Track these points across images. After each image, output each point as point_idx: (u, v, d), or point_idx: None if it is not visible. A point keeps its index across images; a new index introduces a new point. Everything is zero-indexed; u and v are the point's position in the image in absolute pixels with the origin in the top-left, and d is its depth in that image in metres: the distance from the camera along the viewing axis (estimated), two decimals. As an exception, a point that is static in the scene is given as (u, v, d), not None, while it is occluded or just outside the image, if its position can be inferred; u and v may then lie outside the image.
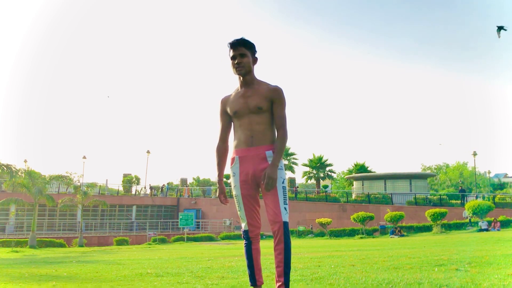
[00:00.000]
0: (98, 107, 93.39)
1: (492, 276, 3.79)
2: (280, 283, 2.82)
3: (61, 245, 20.73)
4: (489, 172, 53.78)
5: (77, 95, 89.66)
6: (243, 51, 2.94)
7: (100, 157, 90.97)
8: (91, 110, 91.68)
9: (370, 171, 43.50)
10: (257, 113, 2.95)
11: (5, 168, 18.83)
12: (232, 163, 3.08)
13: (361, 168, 45.71)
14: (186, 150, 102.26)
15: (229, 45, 2.97)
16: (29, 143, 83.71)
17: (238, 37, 2.98)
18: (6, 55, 76.07)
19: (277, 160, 2.89)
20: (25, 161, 40.25)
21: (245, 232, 3.07)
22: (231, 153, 3.12)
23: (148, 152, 42.16)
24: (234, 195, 3.11)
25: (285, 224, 2.85)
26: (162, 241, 23.51)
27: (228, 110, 3.05)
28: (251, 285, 3.04)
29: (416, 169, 62.30)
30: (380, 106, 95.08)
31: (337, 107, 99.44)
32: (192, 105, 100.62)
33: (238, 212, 3.10)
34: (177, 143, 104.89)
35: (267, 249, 4.01)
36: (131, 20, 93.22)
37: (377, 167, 74.80)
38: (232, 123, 3.12)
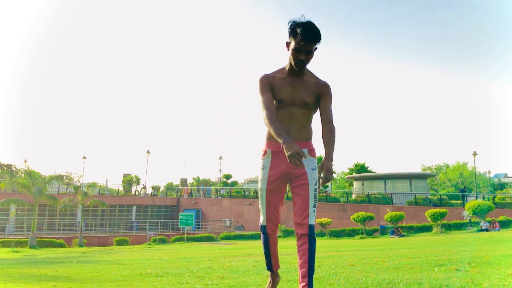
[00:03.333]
0: (98, 107, 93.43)
1: (492, 276, 3.79)
2: (304, 284, 2.71)
3: (61, 245, 20.73)
4: (489, 172, 53.83)
5: (77, 95, 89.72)
6: (311, 48, 2.68)
7: (100, 157, 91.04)
8: (91, 110, 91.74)
9: (370, 171, 43.52)
10: (300, 107, 2.81)
11: (5, 168, 18.83)
12: (264, 155, 2.91)
13: (361, 168, 45.74)
14: (186, 150, 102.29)
15: (300, 36, 2.62)
16: (29, 143, 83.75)
17: (309, 25, 2.64)
18: (6, 55, 76.11)
19: (332, 154, 2.72)
20: (25, 161, 40.33)
21: (263, 227, 3.03)
22: (262, 143, 2.92)
23: (148, 152, 42.22)
24: (259, 188, 2.94)
25: (311, 227, 2.73)
26: (162, 241, 23.51)
27: (272, 92, 2.81)
28: (268, 269, 3.20)
29: (416, 169, 62.33)
30: (380, 106, 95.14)
31: (337, 107, 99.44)
32: (192, 105, 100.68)
33: (260, 206, 2.99)
34: (177, 143, 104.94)
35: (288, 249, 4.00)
36: (131, 20, 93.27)
37: (377, 167, 74.76)
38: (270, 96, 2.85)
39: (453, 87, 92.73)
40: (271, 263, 3.14)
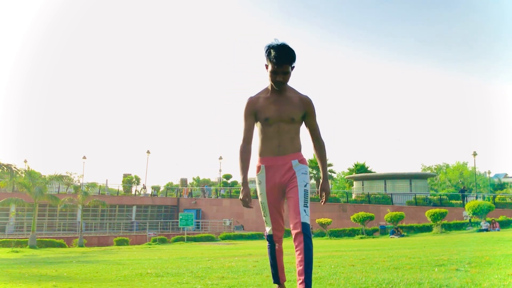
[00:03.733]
0: (98, 107, 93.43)
1: (492, 276, 3.79)
2: (300, 281, 2.74)
3: (61, 245, 20.73)
4: (489, 172, 53.80)
5: (77, 95, 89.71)
6: (287, 69, 2.86)
7: (100, 157, 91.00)
8: (91, 110, 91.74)
9: (370, 171, 43.51)
10: (287, 122, 2.97)
11: (5, 168, 18.83)
12: (258, 171, 3.10)
13: (361, 168, 45.73)
14: (186, 150, 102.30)
15: (273, 59, 2.82)
16: (29, 143, 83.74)
17: (282, 48, 2.83)
18: (6, 55, 76.11)
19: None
20: (25, 161, 40.36)
21: (269, 236, 3.19)
22: (254, 159, 3.08)
23: (148, 152, 42.22)
24: (260, 202, 3.15)
25: (304, 224, 2.81)
26: (162, 241, 23.51)
27: (257, 114, 2.99)
28: (275, 283, 3.26)
29: (416, 169, 62.31)
30: (380, 106, 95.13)
31: (337, 107, 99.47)
32: (192, 105, 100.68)
33: (264, 218, 3.16)
34: (177, 143, 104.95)
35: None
36: (131, 20, 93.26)
37: (377, 167, 74.86)
38: (257, 127, 3.07)
39: (453, 87, 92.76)
40: (278, 274, 3.22)
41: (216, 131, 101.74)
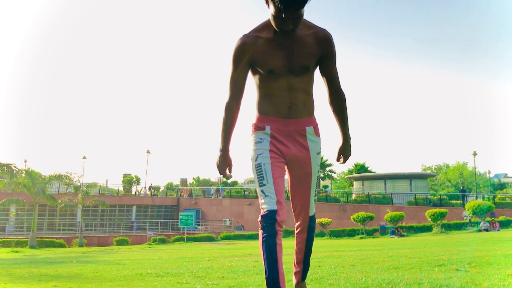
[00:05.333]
0: (98, 107, 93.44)
1: (492, 276, 3.79)
2: (298, 269, 2.54)
3: (61, 245, 20.73)
4: (489, 172, 53.82)
5: (77, 95, 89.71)
6: (300, 14, 2.05)
7: (100, 157, 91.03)
8: (91, 110, 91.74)
9: (370, 171, 43.52)
10: (299, 73, 2.20)
11: (5, 168, 18.83)
12: (257, 130, 2.31)
13: (361, 168, 45.74)
14: (186, 150, 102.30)
15: (277, 2, 1.96)
16: (29, 143, 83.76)
17: None
18: (6, 55, 76.12)
19: (348, 133, 2.42)
20: (25, 161, 40.35)
21: (270, 213, 2.12)
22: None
23: (148, 152, 42.22)
24: (255, 165, 2.26)
25: (311, 218, 2.48)
26: (162, 241, 23.51)
27: (256, 62, 2.19)
28: None
29: (416, 169, 62.37)
30: (380, 106, 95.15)
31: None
32: (192, 105, 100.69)
33: (260, 188, 2.20)
34: (177, 143, 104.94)
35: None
36: (131, 20, 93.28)
37: (377, 167, 74.91)
38: (257, 80, 2.28)
39: (453, 87, 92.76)
40: (279, 277, 2.10)
41: (216, 131, 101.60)
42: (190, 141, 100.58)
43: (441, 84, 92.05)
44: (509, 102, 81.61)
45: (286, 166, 2.38)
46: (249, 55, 2.18)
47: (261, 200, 2.21)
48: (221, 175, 2.37)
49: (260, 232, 2.17)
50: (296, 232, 2.55)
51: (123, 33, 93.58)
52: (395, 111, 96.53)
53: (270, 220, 2.12)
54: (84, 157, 41.75)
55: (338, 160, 2.46)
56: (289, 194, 2.49)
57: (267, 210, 2.14)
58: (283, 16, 2.01)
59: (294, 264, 2.58)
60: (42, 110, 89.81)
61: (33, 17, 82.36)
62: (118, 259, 9.73)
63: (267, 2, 2.06)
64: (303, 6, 2.02)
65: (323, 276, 4.30)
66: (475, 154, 37.56)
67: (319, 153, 2.42)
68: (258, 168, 2.23)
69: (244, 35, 2.19)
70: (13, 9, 77.96)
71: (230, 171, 2.39)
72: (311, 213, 2.47)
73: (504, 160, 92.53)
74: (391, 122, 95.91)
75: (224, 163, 2.36)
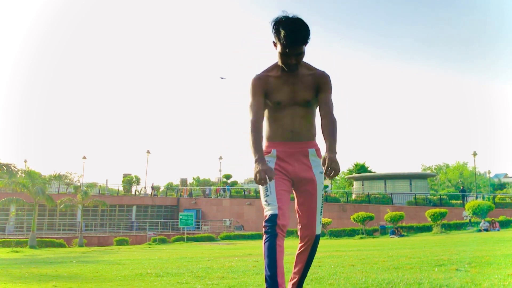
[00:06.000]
0: (98, 107, 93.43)
1: (492, 276, 3.79)
2: (295, 280, 2.72)
3: (61, 245, 20.73)
4: (489, 172, 53.81)
5: (77, 95, 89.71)
6: (301, 50, 2.45)
7: (100, 157, 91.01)
8: (91, 110, 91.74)
9: (370, 171, 43.53)
10: (302, 105, 2.57)
11: (4, 168, 18.83)
12: (265, 154, 2.54)
13: (361, 168, 45.77)
14: (186, 150, 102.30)
15: (285, 40, 2.37)
16: (29, 143, 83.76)
17: (294, 26, 2.39)
18: (6, 55, 76.12)
19: (334, 146, 2.48)
20: (25, 161, 40.35)
21: (272, 217, 2.39)
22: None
23: (148, 152, 42.22)
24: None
25: (317, 236, 2.63)
26: (162, 241, 23.52)
27: (268, 95, 2.58)
28: None
29: (416, 169, 62.33)
30: (380, 106, 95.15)
31: (337, 107, 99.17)
32: (192, 105, 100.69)
33: (264, 198, 2.46)
34: (177, 143, 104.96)
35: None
36: (131, 20, 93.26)
37: (377, 167, 74.73)
38: (267, 112, 2.64)
39: (453, 87, 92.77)
40: (277, 273, 2.32)
41: (216, 131, 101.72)
42: (190, 141, 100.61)
43: (441, 84, 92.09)
44: (509, 102, 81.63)
45: (292, 185, 2.62)
46: (263, 86, 2.58)
47: (264, 209, 2.47)
48: (263, 182, 2.32)
49: (263, 235, 2.44)
50: (299, 247, 2.68)
51: (123, 33, 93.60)
52: (395, 111, 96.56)
53: (271, 223, 2.40)
54: (84, 157, 41.79)
55: (326, 174, 2.42)
56: (297, 216, 2.67)
57: (269, 214, 2.42)
58: (287, 51, 2.42)
59: (292, 272, 2.72)
60: (42, 110, 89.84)
61: (33, 17, 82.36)
62: (118, 259, 9.73)
63: (274, 44, 2.48)
64: (304, 43, 2.43)
65: (323, 276, 4.30)
66: (475, 154, 37.57)
67: (322, 172, 2.59)
68: (262, 186, 2.46)
69: (257, 75, 2.62)
70: (13, 9, 77.95)
71: (272, 174, 2.40)
72: (317, 232, 2.64)
73: (504, 160, 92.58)
74: (391, 122, 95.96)
75: (269, 169, 2.38)
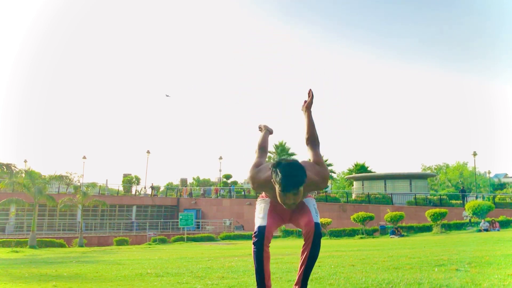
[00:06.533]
0: (98, 107, 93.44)
1: (492, 276, 3.79)
2: (298, 280, 2.90)
3: (61, 245, 20.72)
4: (489, 172, 53.80)
5: (77, 95, 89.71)
6: (298, 190, 2.66)
7: (100, 157, 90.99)
8: (91, 110, 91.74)
9: (370, 171, 43.51)
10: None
11: (5, 168, 18.81)
12: (264, 197, 3.06)
13: (361, 168, 45.74)
14: (186, 150, 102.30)
15: (281, 186, 2.61)
16: (29, 143, 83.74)
17: (291, 171, 2.63)
18: (6, 55, 76.12)
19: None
20: (25, 161, 40.30)
21: (260, 229, 2.81)
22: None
23: (148, 152, 42.21)
24: (257, 208, 2.99)
25: (317, 225, 2.85)
26: (162, 241, 23.51)
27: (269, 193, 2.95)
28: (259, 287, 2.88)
29: (416, 169, 62.33)
30: (380, 106, 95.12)
31: (337, 107, 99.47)
32: (192, 105, 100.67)
33: (257, 216, 2.92)
34: (177, 143, 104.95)
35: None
36: (131, 20, 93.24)
37: (377, 167, 74.68)
38: (268, 192, 3.00)
39: (453, 87, 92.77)
40: (264, 280, 2.83)
41: (216, 131, 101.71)
42: (190, 141, 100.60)
43: (441, 84, 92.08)
44: (509, 102, 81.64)
45: (284, 221, 3.02)
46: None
47: (255, 224, 2.86)
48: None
49: (252, 246, 2.82)
50: (304, 244, 2.85)
51: (123, 33, 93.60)
52: (395, 111, 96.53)
53: (259, 235, 2.80)
54: (84, 157, 41.77)
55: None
56: (300, 227, 2.95)
57: (257, 226, 2.83)
58: (285, 193, 2.63)
59: (298, 275, 2.91)
60: (42, 110, 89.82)
61: (33, 17, 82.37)
62: (118, 259, 9.73)
63: (274, 183, 2.69)
64: (298, 188, 2.61)
65: (323, 276, 4.30)
66: (475, 154, 37.57)
67: (314, 205, 2.98)
68: (259, 209, 2.94)
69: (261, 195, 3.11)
70: (13, 9, 77.97)
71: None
72: (315, 220, 2.85)
73: (504, 160, 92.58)
74: (391, 122, 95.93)
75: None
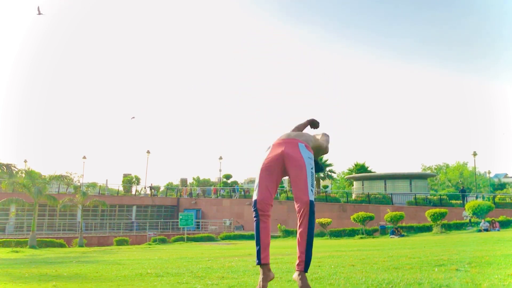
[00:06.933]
0: (98, 107, 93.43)
1: (492, 276, 3.79)
2: (300, 260, 2.99)
3: (61, 245, 20.71)
4: (489, 172, 53.79)
5: (77, 95, 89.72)
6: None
7: (100, 157, 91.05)
8: (91, 110, 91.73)
9: (370, 171, 43.49)
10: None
11: (5, 168, 18.80)
12: (267, 149, 3.34)
13: (361, 168, 45.71)
14: (186, 150, 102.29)
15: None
16: (29, 143, 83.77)
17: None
18: (6, 55, 76.11)
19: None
20: (25, 161, 40.33)
21: (254, 203, 3.11)
22: (262, 143, 3.37)
23: (148, 152, 42.19)
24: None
25: (311, 202, 2.97)
26: (162, 241, 23.50)
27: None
28: (257, 264, 3.10)
29: (416, 169, 62.33)
30: (380, 106, 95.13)
31: (337, 107, 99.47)
32: (192, 105, 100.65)
33: (254, 191, 3.18)
34: (177, 143, 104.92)
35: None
36: (131, 20, 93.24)
37: (377, 167, 74.73)
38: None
39: (453, 87, 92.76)
40: (260, 252, 3.07)
41: (216, 131, 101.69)
42: (190, 141, 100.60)
43: (441, 84, 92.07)
44: (509, 102, 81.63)
45: (282, 171, 3.18)
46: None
47: (253, 194, 3.18)
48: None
49: (253, 217, 3.13)
50: (298, 223, 3.01)
51: (123, 33, 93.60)
52: (395, 111, 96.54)
53: (254, 205, 3.10)
54: (84, 157, 41.78)
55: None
56: (292, 193, 3.17)
57: (253, 200, 3.14)
58: None
59: (298, 256, 3.04)
60: (42, 110, 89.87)
61: (33, 17, 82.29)
62: (118, 259, 9.72)
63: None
64: None
65: (323, 276, 4.29)
66: (475, 154, 37.57)
67: (310, 158, 3.14)
68: (255, 182, 3.21)
69: None
70: (13, 9, 77.95)
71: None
72: (310, 198, 2.98)
73: (504, 160, 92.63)
74: (391, 122, 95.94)
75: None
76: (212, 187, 42.02)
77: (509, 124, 79.17)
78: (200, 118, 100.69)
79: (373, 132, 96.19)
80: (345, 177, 47.89)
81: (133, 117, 51.50)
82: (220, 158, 42.19)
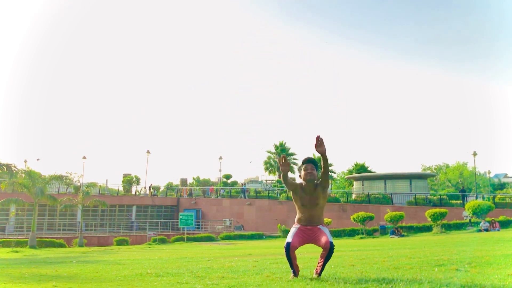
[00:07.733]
0: (98, 107, 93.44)
1: (492, 276, 3.79)
2: (318, 270, 4.20)
3: (61, 245, 20.70)
4: (489, 172, 53.80)
5: (77, 95, 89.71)
6: (312, 167, 4.48)
7: (100, 157, 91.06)
8: (91, 110, 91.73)
9: (370, 171, 43.49)
10: (316, 204, 4.43)
11: (5, 168, 18.79)
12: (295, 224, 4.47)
13: (361, 168, 45.72)
14: (186, 150, 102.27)
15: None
16: (29, 143, 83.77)
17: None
18: (6, 55, 76.10)
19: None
20: (25, 161, 40.34)
21: (287, 245, 4.22)
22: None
23: (148, 152, 42.19)
24: (291, 230, 4.45)
25: (331, 243, 4.12)
26: (162, 241, 23.49)
27: (297, 195, 4.46)
28: (294, 275, 4.27)
29: (416, 169, 62.31)
30: (380, 106, 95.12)
31: (337, 107, 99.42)
32: (192, 105, 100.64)
33: (288, 236, 4.35)
34: (177, 143, 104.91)
35: (268, 249, 4.03)
36: (131, 20, 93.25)
37: (377, 167, 74.69)
38: (294, 198, 4.51)
39: (453, 87, 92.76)
40: (293, 265, 4.28)
41: (216, 131, 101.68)
42: (190, 141, 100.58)
43: (441, 84, 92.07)
44: (509, 102, 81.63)
45: (310, 241, 4.38)
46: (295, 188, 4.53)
47: (287, 237, 4.37)
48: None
49: (284, 251, 4.27)
50: (321, 253, 4.23)
51: (123, 33, 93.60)
52: (395, 111, 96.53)
53: (286, 248, 4.22)
54: (84, 157, 41.79)
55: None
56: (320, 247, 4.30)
57: (286, 243, 4.27)
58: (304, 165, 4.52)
59: (317, 265, 4.26)
60: (42, 110, 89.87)
61: (33, 17, 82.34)
62: (118, 259, 9.73)
63: (299, 172, 4.58)
64: (312, 163, 4.59)
65: (323, 276, 4.30)
66: (475, 154, 37.57)
67: (329, 233, 4.32)
68: (291, 231, 4.41)
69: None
70: (13, 9, 77.96)
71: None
72: (330, 240, 4.17)
73: (504, 160, 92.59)
74: (391, 122, 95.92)
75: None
76: (210, 187, 42.01)
77: (509, 124, 79.18)
78: (200, 118, 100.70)
79: (373, 132, 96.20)
80: (345, 177, 47.89)
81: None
82: (220, 158, 42.24)
